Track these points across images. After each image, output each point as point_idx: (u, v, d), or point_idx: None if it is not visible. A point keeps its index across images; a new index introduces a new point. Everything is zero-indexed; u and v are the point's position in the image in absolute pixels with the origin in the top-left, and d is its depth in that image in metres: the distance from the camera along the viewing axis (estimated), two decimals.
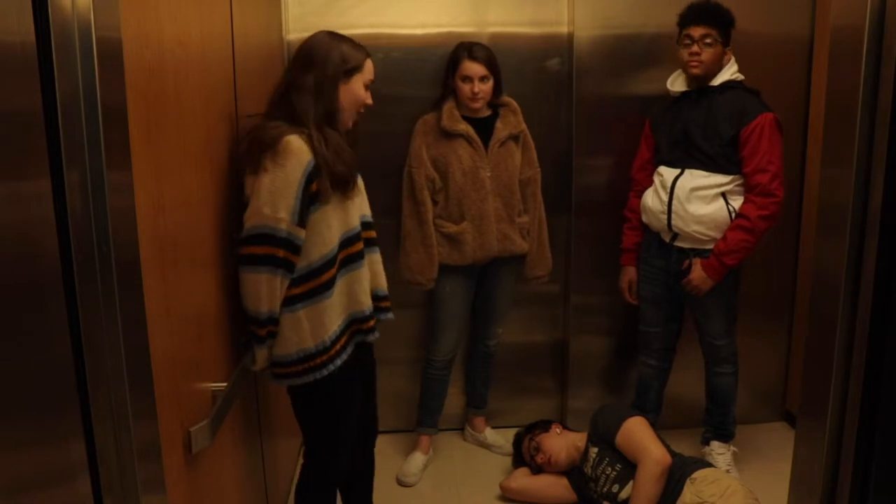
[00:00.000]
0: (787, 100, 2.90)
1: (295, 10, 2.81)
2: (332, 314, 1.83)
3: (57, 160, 0.84)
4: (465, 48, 2.63)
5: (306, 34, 1.88)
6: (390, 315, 2.08)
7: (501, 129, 2.71)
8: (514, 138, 2.74)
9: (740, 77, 2.59)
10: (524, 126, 2.77)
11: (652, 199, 2.67)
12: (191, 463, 1.39)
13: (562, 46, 2.91)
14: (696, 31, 2.52)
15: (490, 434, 3.10)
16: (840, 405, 1.02)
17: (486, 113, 2.71)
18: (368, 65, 1.87)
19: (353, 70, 1.82)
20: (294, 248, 1.72)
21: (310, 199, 1.73)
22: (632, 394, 3.08)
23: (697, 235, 2.58)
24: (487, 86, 2.63)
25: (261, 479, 2.11)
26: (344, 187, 1.80)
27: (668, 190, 2.58)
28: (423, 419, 2.96)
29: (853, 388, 1.00)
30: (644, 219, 2.75)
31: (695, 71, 2.55)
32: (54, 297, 0.83)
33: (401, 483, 2.82)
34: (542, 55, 2.92)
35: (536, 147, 2.84)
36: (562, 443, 2.66)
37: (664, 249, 2.70)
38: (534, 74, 2.93)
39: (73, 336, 0.87)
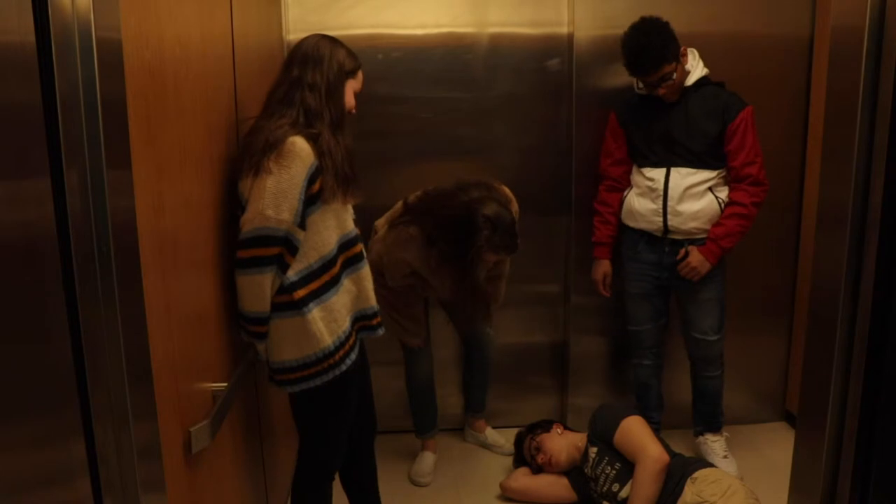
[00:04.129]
0: (787, 100, 2.90)
1: (295, 10, 2.81)
2: (343, 310, 1.85)
3: (57, 160, 0.84)
4: None
5: (306, 34, 1.88)
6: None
7: None
8: None
9: (707, 71, 2.59)
10: None
11: (641, 203, 2.68)
12: (191, 463, 1.39)
13: (562, 46, 2.91)
14: (650, 79, 2.51)
15: (491, 434, 3.09)
16: (840, 405, 1.02)
17: None
18: (360, 74, 1.88)
19: (349, 74, 1.84)
20: (291, 247, 1.72)
21: (309, 200, 1.72)
22: (632, 394, 3.09)
23: (693, 230, 2.62)
24: None
25: (261, 479, 2.11)
26: (347, 188, 1.79)
27: (662, 192, 2.60)
28: (425, 425, 2.94)
29: (853, 388, 1.00)
30: (630, 223, 2.75)
31: (670, 99, 2.57)
32: (54, 297, 0.83)
33: (416, 483, 2.82)
34: (542, 55, 2.92)
35: (536, 147, 2.84)
36: (562, 443, 2.66)
37: (654, 244, 2.71)
38: (534, 74, 2.93)
39: (73, 336, 0.87)
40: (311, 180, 1.70)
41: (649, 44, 2.46)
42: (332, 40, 1.84)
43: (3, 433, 0.73)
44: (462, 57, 2.89)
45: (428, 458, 2.90)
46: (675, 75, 2.49)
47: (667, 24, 2.49)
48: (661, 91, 2.52)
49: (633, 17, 2.82)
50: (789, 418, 3.22)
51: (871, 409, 0.99)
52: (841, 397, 1.02)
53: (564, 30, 2.90)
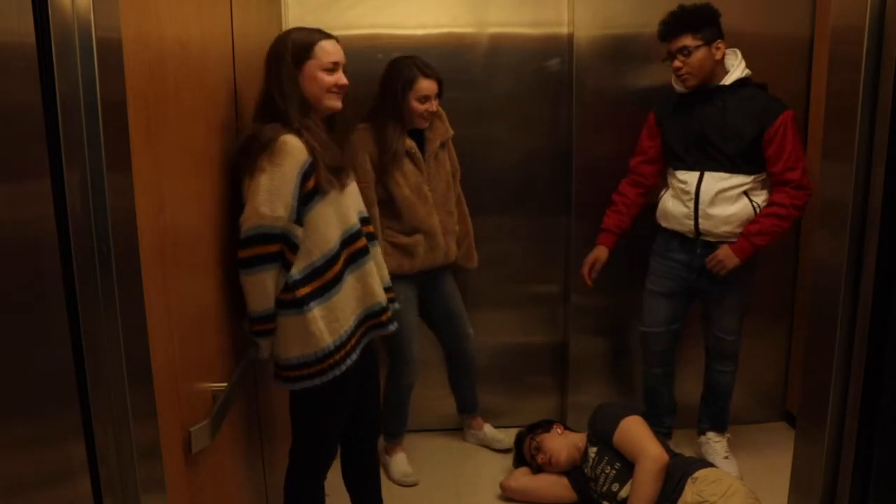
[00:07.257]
0: (787, 100, 2.89)
1: (295, 9, 2.81)
2: (347, 309, 1.85)
3: (57, 161, 0.84)
4: (417, 66, 2.53)
5: None
6: (396, 305, 2.11)
7: (433, 140, 2.66)
8: (443, 145, 2.70)
9: (748, 73, 2.56)
10: (451, 131, 2.72)
11: (674, 205, 2.65)
12: (191, 463, 1.39)
13: (562, 46, 2.91)
14: (672, 45, 2.52)
15: (489, 430, 3.09)
16: (840, 405, 1.02)
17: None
18: (321, 48, 1.80)
19: (302, 57, 1.79)
20: (290, 244, 1.74)
21: (306, 198, 1.74)
22: (632, 394, 3.08)
23: (726, 234, 2.58)
24: (437, 100, 2.59)
25: (261, 479, 2.11)
26: (338, 176, 1.81)
27: (693, 196, 2.57)
28: (398, 431, 2.92)
29: (853, 388, 1.00)
30: (664, 223, 2.72)
31: (688, 83, 2.55)
32: (54, 298, 0.83)
33: (406, 484, 2.81)
34: (542, 55, 2.92)
35: (536, 147, 2.84)
36: (562, 443, 2.66)
37: (688, 244, 2.67)
38: (534, 74, 2.93)
39: (73, 336, 0.87)
40: (304, 177, 1.72)
41: (680, 12, 2.49)
42: (293, 30, 1.85)
43: (3, 433, 0.73)
44: (462, 57, 2.89)
45: (404, 459, 2.90)
46: (695, 53, 2.47)
47: (715, 11, 2.49)
48: (677, 64, 2.50)
49: (633, 17, 2.83)
50: (789, 418, 3.22)
51: (871, 409, 0.99)
52: (841, 397, 1.02)
53: (564, 30, 2.90)
